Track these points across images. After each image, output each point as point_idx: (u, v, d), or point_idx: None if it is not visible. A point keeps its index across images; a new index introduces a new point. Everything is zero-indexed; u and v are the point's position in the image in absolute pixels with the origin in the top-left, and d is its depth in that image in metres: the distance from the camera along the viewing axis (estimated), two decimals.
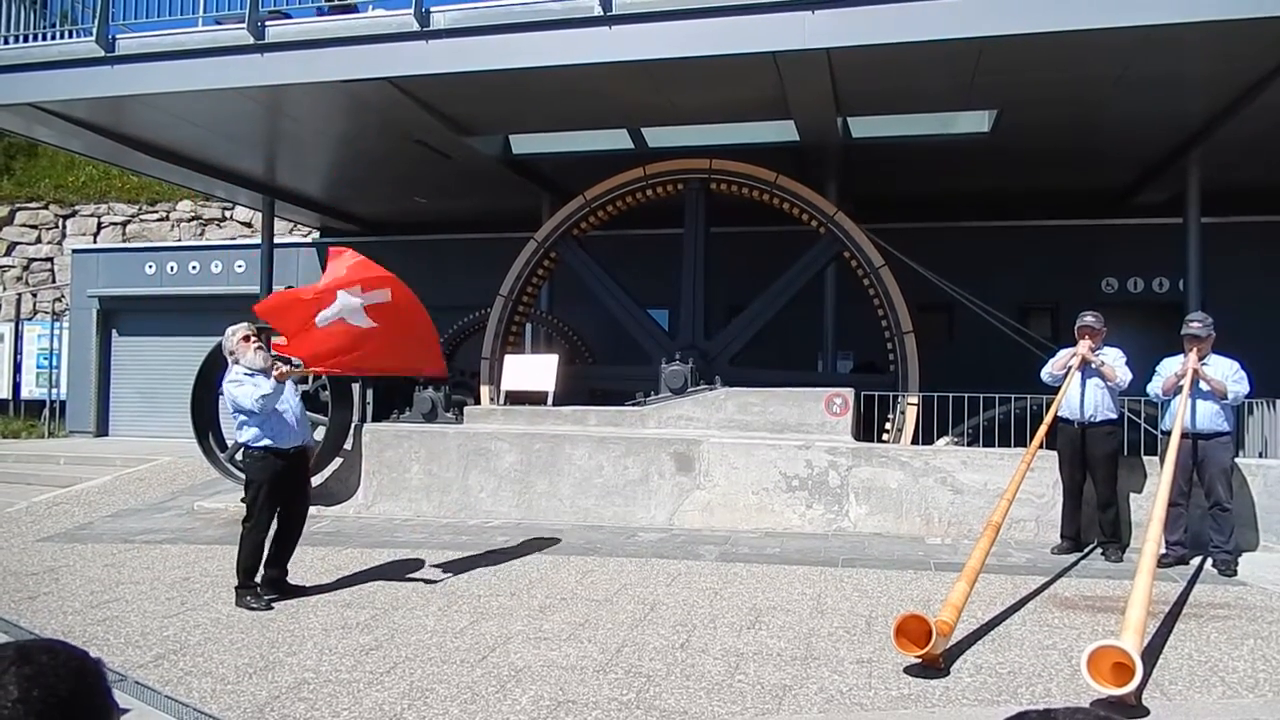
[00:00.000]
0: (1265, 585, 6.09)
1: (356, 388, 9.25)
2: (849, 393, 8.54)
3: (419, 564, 6.74)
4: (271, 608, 5.61)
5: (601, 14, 7.76)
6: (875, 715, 3.97)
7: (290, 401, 6.01)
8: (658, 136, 10.44)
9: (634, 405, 9.20)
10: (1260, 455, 7.95)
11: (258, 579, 5.81)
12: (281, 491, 5.93)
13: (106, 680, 1.14)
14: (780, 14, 7.42)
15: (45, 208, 18.42)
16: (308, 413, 8.77)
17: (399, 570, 6.57)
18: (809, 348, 11.88)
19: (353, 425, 9.03)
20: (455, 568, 6.61)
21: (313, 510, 8.71)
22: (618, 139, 10.50)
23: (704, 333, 10.16)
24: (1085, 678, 3.90)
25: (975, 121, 9.58)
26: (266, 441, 5.84)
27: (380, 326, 6.01)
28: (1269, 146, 9.41)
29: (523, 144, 10.96)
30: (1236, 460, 7.03)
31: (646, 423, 8.85)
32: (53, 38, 9.57)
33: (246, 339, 5.92)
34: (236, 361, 5.88)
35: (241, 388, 5.75)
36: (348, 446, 9.02)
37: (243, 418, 5.82)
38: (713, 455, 8.17)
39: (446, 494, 8.64)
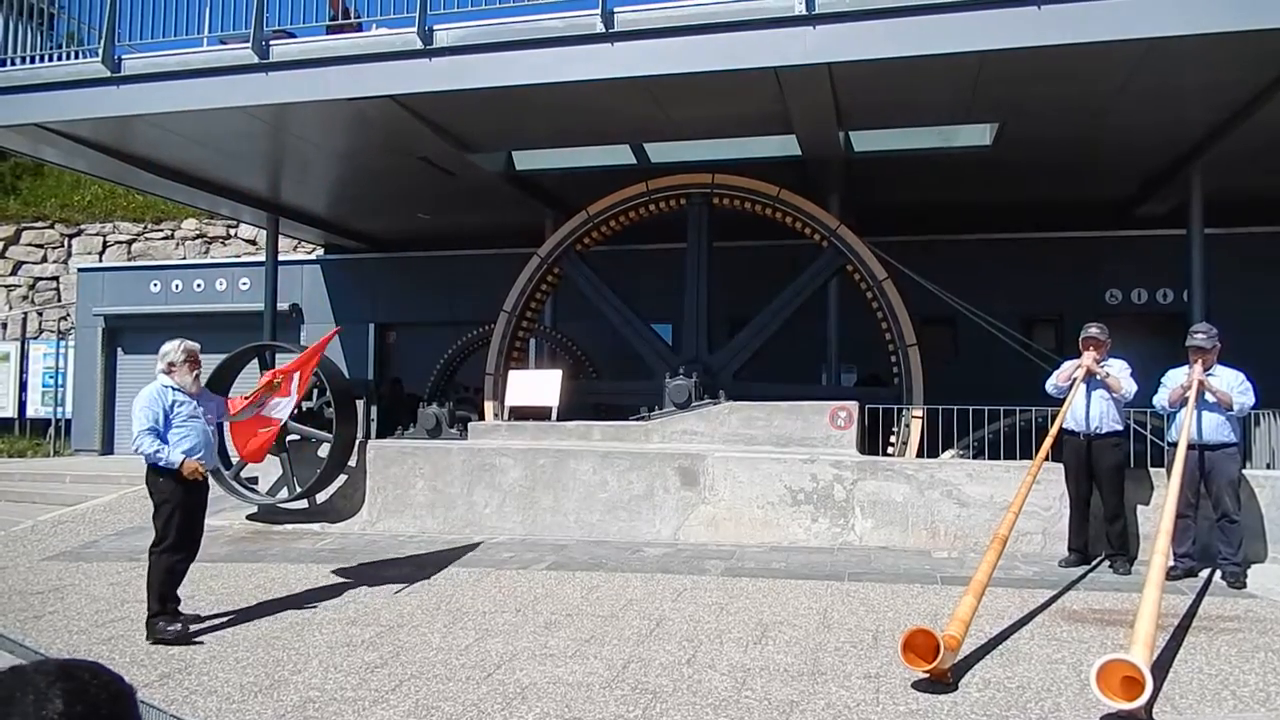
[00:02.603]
0: (1275, 597, 6.05)
1: (361, 404, 9.27)
2: (853, 406, 8.53)
3: (424, 581, 6.72)
4: (189, 630, 5.33)
5: (603, 31, 7.80)
6: None
7: (207, 422, 5.81)
8: (660, 152, 10.48)
9: (638, 420, 9.19)
10: (1268, 466, 7.92)
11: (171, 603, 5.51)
12: (189, 511, 5.64)
13: (139, 709, 1.16)
14: (781, 29, 7.45)
15: (51, 227, 18.51)
16: (313, 429, 8.88)
17: (403, 587, 6.55)
18: (813, 361, 11.87)
19: (357, 442, 9.03)
20: (460, 584, 6.60)
21: (317, 527, 8.77)
22: (620, 154, 10.54)
23: (708, 347, 10.16)
24: (1095, 692, 3.87)
25: (977, 135, 9.60)
26: (190, 459, 5.57)
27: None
28: (1271, 157, 9.41)
29: (526, 160, 11.01)
30: (1244, 471, 7.01)
31: (651, 437, 8.84)
32: (59, 58, 9.65)
33: (194, 361, 5.74)
34: (166, 372, 5.65)
35: (158, 403, 5.54)
36: (352, 463, 9.02)
37: (154, 438, 5.50)
38: (717, 469, 8.16)
39: (451, 510, 8.63)
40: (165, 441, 5.54)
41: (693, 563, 7.19)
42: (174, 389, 5.65)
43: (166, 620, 5.39)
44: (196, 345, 5.89)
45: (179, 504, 5.56)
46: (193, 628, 5.47)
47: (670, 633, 5.34)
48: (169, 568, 5.52)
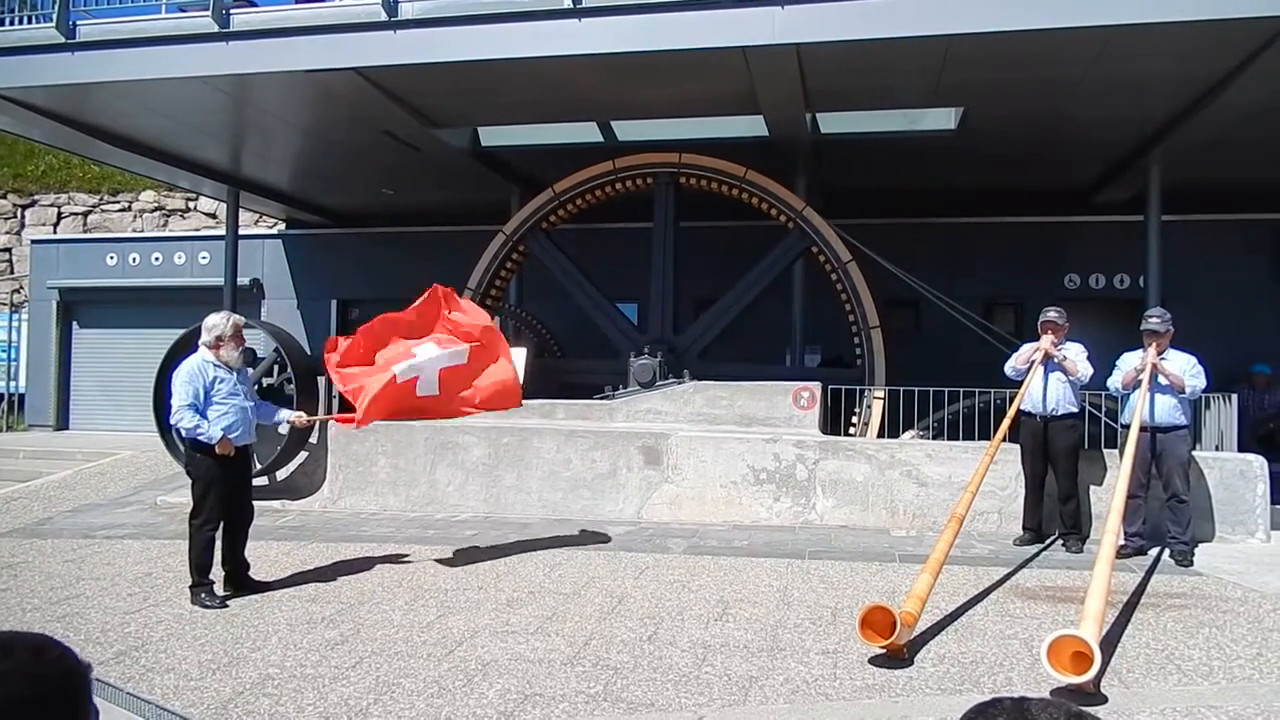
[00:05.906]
0: (1221, 575, 6.22)
1: (322, 381, 9.17)
2: (816, 387, 8.61)
3: (385, 558, 6.70)
4: (227, 605, 5.50)
5: (571, 6, 7.73)
6: (840, 705, 4.01)
7: (246, 399, 5.85)
8: (627, 130, 10.43)
9: (602, 399, 9.20)
10: (1216, 448, 8.10)
11: (212, 576, 5.67)
12: (228, 486, 5.76)
13: (90, 687, 1.11)
14: (750, 9, 7.43)
15: (4, 197, 18.05)
16: (275, 406, 8.77)
17: (365, 565, 6.52)
18: (777, 342, 11.93)
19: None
20: (422, 562, 6.59)
21: (277, 504, 8.69)
22: (587, 132, 10.48)
23: (673, 327, 10.17)
24: (1045, 666, 3.97)
25: (942, 119, 9.66)
26: (226, 436, 5.67)
27: (444, 389, 6.24)
28: (1229, 145, 9.57)
29: (491, 136, 10.90)
30: (1194, 453, 7.19)
31: (615, 416, 8.86)
32: (11, 23, 9.37)
33: (239, 337, 5.78)
34: (212, 347, 5.68)
35: (199, 379, 5.60)
36: (313, 440, 8.94)
37: (194, 413, 5.58)
38: (681, 449, 8.19)
39: (413, 488, 8.60)
40: (204, 418, 5.59)
41: (655, 541, 7.24)
42: (215, 364, 5.69)
43: (207, 594, 5.56)
44: (243, 319, 5.94)
45: (215, 480, 5.68)
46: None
47: (632, 610, 5.38)
48: (206, 541, 5.66)
